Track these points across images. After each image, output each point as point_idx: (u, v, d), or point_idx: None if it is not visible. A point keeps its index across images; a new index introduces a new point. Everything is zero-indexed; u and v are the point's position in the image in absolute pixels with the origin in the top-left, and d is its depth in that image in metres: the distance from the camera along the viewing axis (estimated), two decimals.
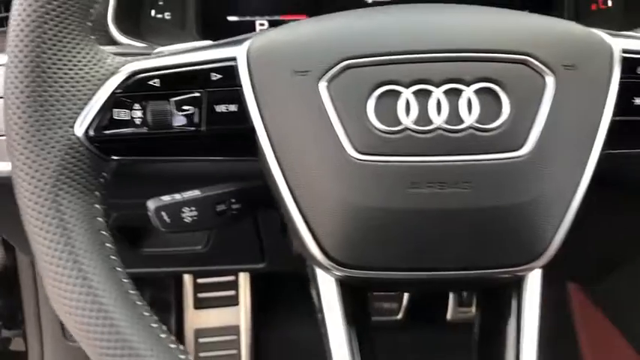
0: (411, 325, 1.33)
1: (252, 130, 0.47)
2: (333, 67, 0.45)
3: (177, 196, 0.55)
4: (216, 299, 1.41)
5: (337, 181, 0.45)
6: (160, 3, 0.80)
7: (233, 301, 1.41)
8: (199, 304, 1.41)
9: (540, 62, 0.45)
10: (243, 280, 1.40)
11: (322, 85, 0.45)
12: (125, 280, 0.47)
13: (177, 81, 0.47)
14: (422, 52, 0.45)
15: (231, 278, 1.40)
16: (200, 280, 1.40)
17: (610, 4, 0.80)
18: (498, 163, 0.44)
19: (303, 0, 0.84)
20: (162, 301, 1.39)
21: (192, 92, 0.47)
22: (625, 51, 0.47)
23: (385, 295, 1.38)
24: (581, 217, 0.47)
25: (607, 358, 1.02)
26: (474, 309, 1.36)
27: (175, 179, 0.61)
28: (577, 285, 1.12)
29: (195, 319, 1.41)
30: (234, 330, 1.41)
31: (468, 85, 0.45)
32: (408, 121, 0.45)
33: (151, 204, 0.55)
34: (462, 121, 0.45)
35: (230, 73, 0.47)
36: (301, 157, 0.46)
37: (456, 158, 0.44)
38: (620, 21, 0.79)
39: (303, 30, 0.49)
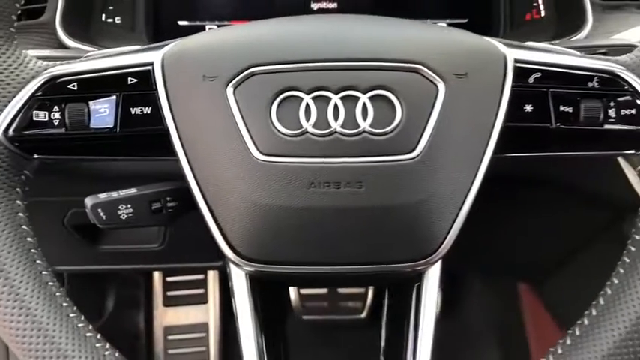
0: (375, 324, 1.36)
1: (167, 132, 0.50)
2: (239, 74, 0.48)
3: (114, 194, 0.58)
4: (186, 297, 1.43)
5: (242, 180, 0.48)
6: (110, 8, 0.83)
7: (202, 299, 1.44)
8: (169, 301, 1.43)
9: (432, 70, 0.48)
10: (212, 278, 1.42)
11: (229, 90, 0.48)
12: (45, 273, 0.50)
13: (94, 84, 0.50)
14: (321, 61, 0.48)
15: (200, 276, 1.43)
16: (169, 278, 1.42)
17: (543, 13, 0.83)
18: (390, 165, 0.47)
19: (252, 6, 0.87)
20: (132, 299, 1.41)
21: (109, 95, 0.50)
22: (518, 60, 0.50)
23: (349, 294, 1.41)
24: (475, 214, 0.50)
25: None
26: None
27: (121, 178, 0.64)
28: (527, 285, 1.15)
29: (165, 316, 1.44)
30: (203, 327, 1.43)
31: (364, 92, 0.48)
32: (308, 125, 0.48)
33: (89, 201, 0.58)
34: (357, 126, 0.48)
35: (146, 77, 0.50)
36: (209, 158, 0.49)
37: (351, 160, 0.47)
38: (553, 30, 0.82)
39: (214, 38, 0.52)
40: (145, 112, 0.50)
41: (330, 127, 0.48)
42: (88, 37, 0.81)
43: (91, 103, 0.50)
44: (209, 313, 1.43)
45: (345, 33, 0.50)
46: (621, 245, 0.62)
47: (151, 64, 0.50)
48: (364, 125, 0.48)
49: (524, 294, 1.17)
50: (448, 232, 0.49)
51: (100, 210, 0.57)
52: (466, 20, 0.86)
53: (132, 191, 0.58)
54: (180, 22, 0.86)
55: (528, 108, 0.50)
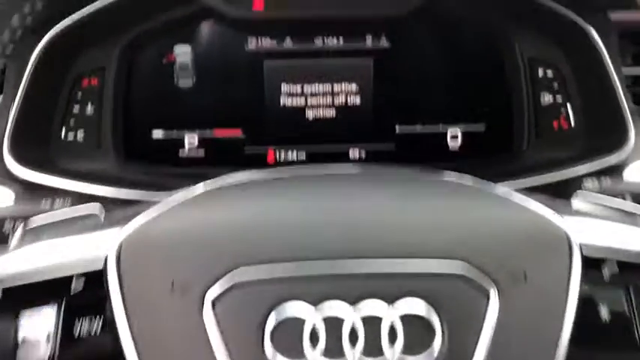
0: None
1: (120, 350, 0.37)
2: (218, 280, 0.36)
3: None
4: None
5: None
6: (71, 122, 0.71)
7: None
8: None
9: (479, 271, 0.36)
10: None
11: (207, 305, 0.36)
12: None
13: (26, 291, 0.37)
14: (329, 260, 0.35)
15: None
16: None
17: (573, 124, 0.72)
18: None
19: (240, 111, 0.75)
20: None
21: (47, 305, 0.37)
22: (585, 246, 0.38)
23: None
24: None
25: None
26: None
27: None
28: None
29: None
30: None
31: (390, 303, 0.35)
32: (314, 355, 0.35)
33: None
34: (382, 354, 0.35)
35: (97, 278, 0.37)
36: None
37: None
38: (582, 144, 0.71)
39: (186, 224, 0.39)
40: (93, 331, 0.37)
41: (344, 357, 0.35)
42: (46, 159, 0.69)
43: (20, 317, 0.37)
44: None
45: (358, 217, 0.37)
46: None
47: (104, 260, 0.37)
48: (392, 355, 0.35)
49: None
50: None
51: None
52: (483, 128, 0.75)
53: None
54: (155, 134, 0.74)
55: (605, 314, 0.38)
